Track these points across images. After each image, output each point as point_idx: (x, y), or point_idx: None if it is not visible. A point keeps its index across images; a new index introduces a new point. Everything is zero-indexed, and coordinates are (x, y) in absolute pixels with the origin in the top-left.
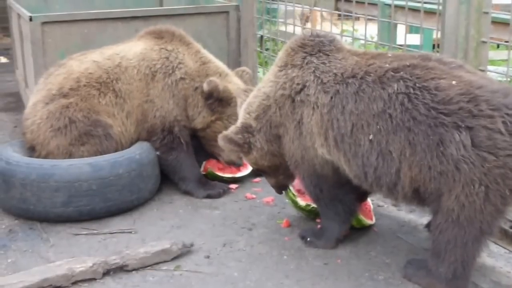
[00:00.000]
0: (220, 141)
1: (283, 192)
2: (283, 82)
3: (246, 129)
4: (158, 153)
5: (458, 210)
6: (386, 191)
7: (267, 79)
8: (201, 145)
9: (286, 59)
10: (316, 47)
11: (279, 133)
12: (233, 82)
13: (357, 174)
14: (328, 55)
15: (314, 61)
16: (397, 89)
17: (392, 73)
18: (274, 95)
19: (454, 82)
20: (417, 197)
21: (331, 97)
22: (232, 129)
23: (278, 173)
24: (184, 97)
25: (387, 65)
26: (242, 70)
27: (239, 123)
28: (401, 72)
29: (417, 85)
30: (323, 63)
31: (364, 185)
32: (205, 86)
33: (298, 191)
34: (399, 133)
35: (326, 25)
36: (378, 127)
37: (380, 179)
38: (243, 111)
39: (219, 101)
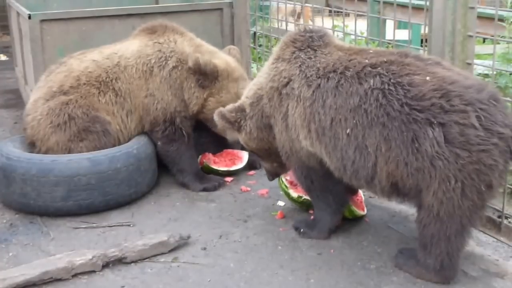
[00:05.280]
0: (215, 116)
1: (275, 179)
2: (273, 74)
3: (240, 110)
4: (159, 143)
5: (437, 206)
6: (365, 184)
7: (264, 70)
8: (198, 139)
9: (279, 52)
10: (305, 42)
11: (270, 123)
12: (220, 58)
13: (337, 166)
14: (316, 50)
15: (302, 56)
16: (373, 85)
17: (370, 69)
18: (266, 87)
19: (428, 78)
20: (396, 191)
21: (313, 91)
22: (229, 106)
23: (270, 158)
24: (180, 84)
25: (366, 61)
26: (229, 48)
27: (238, 102)
28: (378, 68)
29: (391, 80)
30: (309, 57)
31: (344, 177)
32: (189, 62)
33: (291, 183)
34: (374, 128)
35: (317, 21)
36: (355, 121)
37: (358, 172)
38: (245, 92)
39: (204, 75)
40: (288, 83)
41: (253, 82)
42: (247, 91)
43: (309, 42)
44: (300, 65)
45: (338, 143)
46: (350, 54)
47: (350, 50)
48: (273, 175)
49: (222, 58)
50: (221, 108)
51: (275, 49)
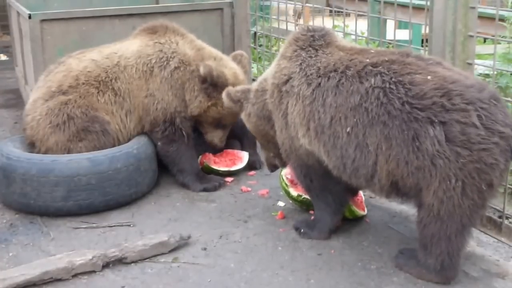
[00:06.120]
0: (223, 95)
1: (274, 171)
2: (275, 71)
3: (246, 91)
4: (159, 144)
5: (437, 205)
6: (364, 182)
7: (272, 65)
8: (198, 139)
9: (283, 51)
10: (307, 41)
11: (271, 117)
12: (228, 67)
13: (336, 165)
14: (317, 50)
15: (303, 54)
16: (374, 83)
17: (371, 68)
18: (269, 82)
19: (429, 77)
20: (396, 190)
21: (313, 90)
22: (238, 87)
23: (268, 146)
24: (182, 85)
25: (367, 60)
26: (240, 54)
27: (251, 85)
28: (379, 67)
29: (392, 79)
30: (310, 56)
31: (343, 176)
32: (201, 70)
33: (291, 181)
34: (375, 127)
35: (318, 21)
36: (355, 120)
37: (358, 171)
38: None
39: (214, 86)
40: (288, 80)
41: (264, 73)
42: (259, 78)
43: (311, 42)
44: (300, 64)
45: (337, 141)
46: (351, 53)
47: (352, 50)
48: (271, 166)
49: (231, 68)
50: (229, 87)
51: (282, 48)
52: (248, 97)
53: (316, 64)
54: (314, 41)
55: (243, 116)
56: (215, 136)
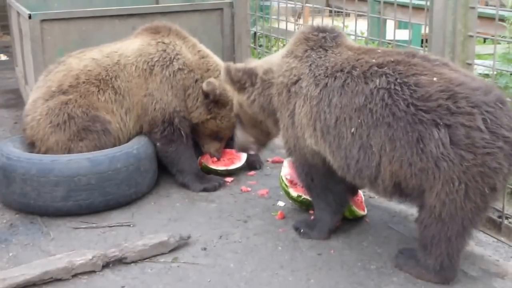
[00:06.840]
0: (222, 70)
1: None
2: (285, 70)
3: (249, 73)
4: (158, 144)
5: (439, 207)
6: (368, 183)
7: (278, 57)
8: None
9: (292, 47)
10: (318, 42)
11: (276, 113)
12: None
13: (340, 165)
14: (327, 50)
15: (313, 55)
16: (379, 84)
17: (376, 68)
18: (276, 78)
19: (435, 79)
20: (399, 191)
21: (320, 90)
22: (239, 64)
23: (251, 131)
24: (183, 87)
25: (373, 60)
26: None
27: (253, 64)
28: (385, 68)
29: (397, 80)
30: (320, 57)
31: (348, 176)
32: (204, 86)
33: (291, 182)
34: (379, 128)
35: (318, 21)
36: (360, 121)
37: (362, 172)
38: (264, 60)
39: (215, 103)
40: (297, 81)
41: (270, 61)
42: (263, 62)
43: (322, 43)
44: (310, 65)
45: (342, 142)
46: (358, 53)
47: (359, 50)
48: (243, 149)
49: None
50: (230, 63)
51: (290, 42)
52: (254, 82)
53: (324, 64)
54: (326, 42)
55: (240, 98)
56: (212, 147)
